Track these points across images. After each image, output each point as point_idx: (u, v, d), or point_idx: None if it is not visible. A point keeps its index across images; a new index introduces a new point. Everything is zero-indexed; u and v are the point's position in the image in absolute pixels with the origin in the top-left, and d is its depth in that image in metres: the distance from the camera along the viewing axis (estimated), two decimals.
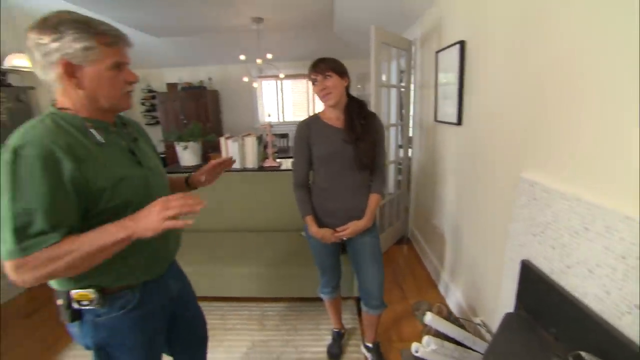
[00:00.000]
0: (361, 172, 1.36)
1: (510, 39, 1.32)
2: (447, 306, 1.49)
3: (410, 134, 3.06)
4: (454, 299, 1.98)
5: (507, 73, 1.35)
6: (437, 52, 2.15)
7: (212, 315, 1.98)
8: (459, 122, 1.85)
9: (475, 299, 1.75)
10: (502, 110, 1.41)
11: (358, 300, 1.95)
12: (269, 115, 3.43)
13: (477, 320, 1.57)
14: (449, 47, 1.91)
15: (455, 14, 1.93)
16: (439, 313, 1.48)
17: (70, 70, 0.72)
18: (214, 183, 1.17)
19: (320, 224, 1.40)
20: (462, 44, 1.74)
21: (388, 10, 2.83)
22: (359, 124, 1.32)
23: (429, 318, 1.33)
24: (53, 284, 0.81)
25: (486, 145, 1.57)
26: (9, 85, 2.82)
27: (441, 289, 2.24)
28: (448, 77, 2.00)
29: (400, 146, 3.12)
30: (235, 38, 4.61)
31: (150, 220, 0.71)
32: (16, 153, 0.66)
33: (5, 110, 2.55)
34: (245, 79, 5.10)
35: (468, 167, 1.80)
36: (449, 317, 1.47)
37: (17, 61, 2.58)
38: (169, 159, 4.95)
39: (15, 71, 3.03)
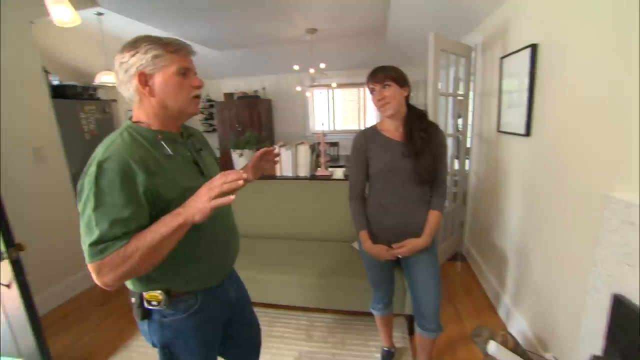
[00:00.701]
0: (420, 187, 1.29)
1: (598, 40, 1.17)
2: (512, 336, 1.34)
3: (468, 145, 2.88)
4: (518, 327, 1.79)
5: (594, 78, 1.19)
6: (502, 57, 2.00)
7: (260, 321, 2.00)
8: (527, 132, 1.69)
9: (544, 330, 1.56)
10: (584, 120, 1.25)
11: (410, 318, 1.86)
12: (322, 124, 3.45)
13: (549, 356, 1.39)
14: (517, 51, 1.77)
15: (525, 16, 1.78)
16: (504, 343, 1.34)
17: (144, 80, 0.80)
18: (259, 175, 1.19)
19: (375, 239, 1.36)
20: (533, 47, 1.59)
21: (447, 16, 2.72)
22: (418, 137, 1.26)
23: (494, 348, 1.21)
24: (128, 284, 0.88)
25: (562, 158, 1.41)
26: (98, 99, 3.23)
27: (501, 313, 2.04)
28: (514, 84, 1.85)
29: (457, 157, 2.95)
30: (289, 49, 4.77)
31: (197, 203, 0.75)
32: (100, 166, 0.73)
33: (94, 120, 2.93)
34: (298, 89, 5.25)
35: (538, 182, 1.63)
36: (516, 349, 1.32)
37: (104, 78, 2.95)
38: (223, 165, 5.25)
39: (102, 86, 3.46)
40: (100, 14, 3.39)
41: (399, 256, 1.34)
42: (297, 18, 3.59)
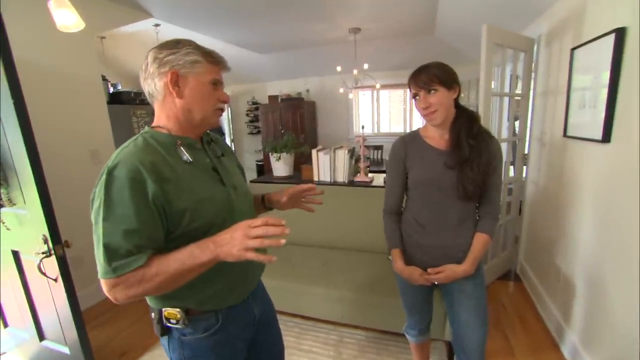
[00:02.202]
0: (465, 203, 1.11)
1: None
2: None
3: (526, 151, 2.56)
4: None
5: None
6: (574, 48, 1.71)
7: (289, 332, 1.96)
8: (606, 138, 1.41)
9: None
10: None
11: (450, 345, 1.66)
12: (363, 127, 3.34)
13: None
14: (595, 39, 1.48)
15: None
16: None
17: (175, 80, 0.78)
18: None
19: (410, 259, 1.20)
20: (619, 32, 1.31)
21: (504, 6, 2.44)
22: (466, 145, 1.07)
23: None
24: (147, 299, 0.85)
25: None
26: (148, 104, 3.46)
27: (565, 352, 1.73)
28: (589, 80, 1.57)
29: (512, 163, 2.63)
30: (332, 50, 4.71)
31: (232, 247, 0.68)
32: (110, 174, 0.70)
33: (144, 124, 3.12)
34: (341, 90, 5.16)
35: (620, 198, 1.34)
36: None
37: None
38: (266, 167, 5.34)
39: None
40: (157, 25, 3.63)
41: (436, 283, 1.17)
42: (341, 18, 3.51)
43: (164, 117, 0.82)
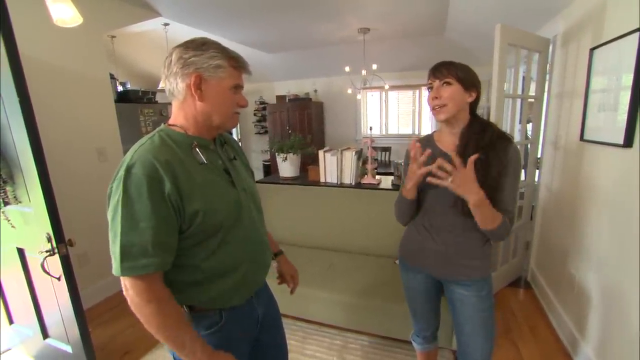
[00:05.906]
0: (469, 217, 1.03)
1: None
2: None
3: (539, 155, 2.48)
4: None
5: None
6: (593, 48, 1.64)
7: (293, 336, 1.92)
8: (628, 143, 1.34)
9: None
10: None
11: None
12: (371, 129, 3.30)
13: None
14: (616, 39, 1.42)
15: None
16: None
17: (198, 83, 0.78)
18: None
19: (413, 260, 1.18)
20: None
21: (518, 6, 2.37)
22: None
23: None
24: None
25: None
26: (156, 102, 3.47)
27: None
28: (609, 82, 1.50)
29: (524, 167, 2.56)
30: (340, 50, 4.67)
31: None
32: (128, 171, 0.71)
33: (151, 122, 3.13)
34: (349, 91, 5.11)
35: None
36: None
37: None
38: (273, 168, 5.32)
39: (162, 91, 3.72)
40: (166, 24, 3.64)
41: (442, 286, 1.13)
42: (350, 18, 3.47)
43: (181, 117, 0.82)
